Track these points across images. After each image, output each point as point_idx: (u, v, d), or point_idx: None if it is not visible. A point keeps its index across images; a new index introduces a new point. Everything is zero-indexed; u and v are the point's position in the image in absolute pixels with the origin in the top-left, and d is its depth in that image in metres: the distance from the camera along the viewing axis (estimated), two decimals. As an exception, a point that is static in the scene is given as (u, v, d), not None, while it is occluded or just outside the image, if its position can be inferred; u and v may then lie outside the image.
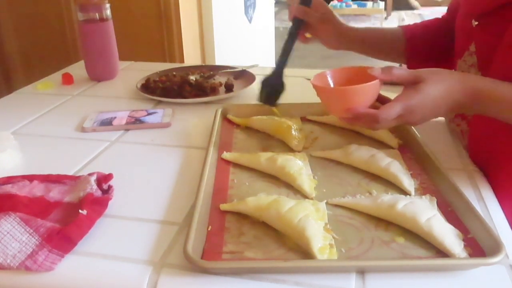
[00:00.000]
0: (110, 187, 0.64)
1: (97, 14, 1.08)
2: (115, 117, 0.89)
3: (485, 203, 0.62)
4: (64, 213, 0.59)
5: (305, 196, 0.62)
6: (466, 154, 0.75)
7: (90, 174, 0.66)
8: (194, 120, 0.90)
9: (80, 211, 0.56)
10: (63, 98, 1.04)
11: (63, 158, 0.77)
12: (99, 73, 1.15)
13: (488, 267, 0.49)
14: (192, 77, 1.07)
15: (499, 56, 0.65)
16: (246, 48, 2.82)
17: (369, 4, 6.12)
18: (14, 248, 0.51)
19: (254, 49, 2.98)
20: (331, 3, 6.09)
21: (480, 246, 0.51)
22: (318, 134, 0.81)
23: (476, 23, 0.71)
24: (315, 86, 0.66)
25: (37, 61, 1.90)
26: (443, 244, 0.51)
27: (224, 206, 0.59)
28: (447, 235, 0.52)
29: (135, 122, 0.87)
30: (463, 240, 0.52)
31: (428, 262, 0.50)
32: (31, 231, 0.53)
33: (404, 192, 0.62)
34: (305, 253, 0.51)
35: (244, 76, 1.12)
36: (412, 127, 0.76)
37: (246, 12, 2.75)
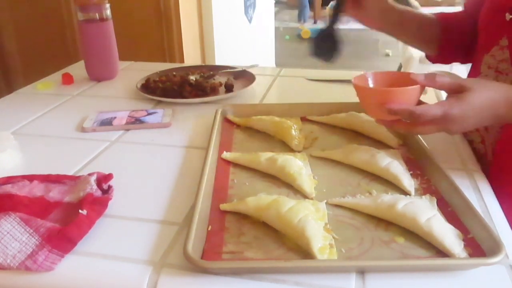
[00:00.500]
0: (110, 187, 0.64)
1: (97, 14, 1.08)
2: (115, 117, 0.89)
3: (485, 203, 0.61)
4: (64, 213, 0.59)
5: (305, 196, 0.62)
6: (466, 154, 0.75)
7: (90, 174, 0.66)
8: (194, 120, 0.90)
9: (80, 211, 0.56)
10: (63, 98, 1.04)
11: (63, 158, 0.77)
12: (99, 73, 1.15)
13: (488, 267, 0.49)
14: (192, 77, 1.07)
15: None
16: (246, 48, 2.82)
17: (369, 4, 6.11)
18: (14, 248, 0.51)
19: (254, 49, 2.99)
20: (331, 3, 6.08)
21: (480, 246, 0.51)
22: (318, 134, 0.81)
23: (511, 16, 0.70)
24: (355, 86, 0.67)
25: (37, 61, 1.90)
26: (443, 244, 0.51)
27: (224, 206, 0.59)
28: (447, 235, 0.52)
29: (135, 122, 0.87)
30: (463, 240, 0.52)
31: (428, 262, 0.50)
32: (31, 231, 0.53)
33: (404, 192, 0.62)
34: (305, 253, 0.51)
35: (244, 76, 1.12)
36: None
37: (246, 12, 2.75)
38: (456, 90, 0.61)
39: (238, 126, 0.85)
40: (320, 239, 0.51)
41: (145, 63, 1.31)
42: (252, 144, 0.78)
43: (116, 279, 0.50)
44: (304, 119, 0.86)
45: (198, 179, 0.63)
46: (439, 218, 0.54)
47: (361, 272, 0.49)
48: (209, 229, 0.55)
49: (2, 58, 1.95)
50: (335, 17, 0.80)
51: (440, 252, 0.51)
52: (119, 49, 1.16)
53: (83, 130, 0.86)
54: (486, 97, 0.60)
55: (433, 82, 0.62)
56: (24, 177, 0.66)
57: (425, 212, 0.54)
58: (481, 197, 0.63)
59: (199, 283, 0.48)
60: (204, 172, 0.64)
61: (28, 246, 0.52)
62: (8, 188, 0.63)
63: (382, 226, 0.56)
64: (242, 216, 0.58)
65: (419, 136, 0.74)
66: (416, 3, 3.28)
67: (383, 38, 5.54)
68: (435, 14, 0.90)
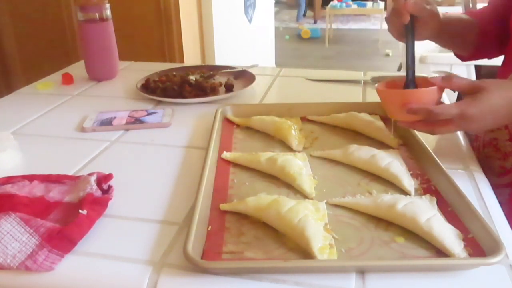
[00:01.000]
0: (110, 187, 0.64)
1: (97, 14, 1.08)
2: (115, 117, 0.89)
3: (485, 203, 0.62)
4: (64, 213, 0.59)
5: (305, 196, 0.62)
6: (467, 154, 0.75)
7: (90, 174, 0.66)
8: (194, 120, 0.90)
9: (80, 211, 0.56)
10: (63, 98, 1.04)
11: (63, 158, 0.77)
12: (99, 73, 1.15)
13: (488, 267, 0.49)
14: (192, 77, 1.07)
15: None
16: (246, 48, 2.82)
17: (369, 4, 6.11)
18: (14, 248, 0.51)
19: (254, 49, 2.99)
20: (331, 3, 6.09)
21: (480, 246, 0.51)
22: (318, 134, 0.81)
23: None
24: (378, 90, 0.70)
25: (37, 61, 1.91)
26: (443, 244, 0.51)
27: (224, 206, 0.59)
28: (447, 235, 0.52)
29: (135, 122, 0.87)
30: (463, 240, 0.52)
31: (428, 262, 0.50)
32: (31, 231, 0.53)
33: (404, 192, 0.62)
34: (305, 253, 0.51)
35: (244, 76, 1.12)
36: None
37: (246, 12, 2.76)
38: (472, 91, 0.63)
39: (238, 126, 0.85)
40: (320, 239, 0.51)
41: (145, 63, 1.31)
42: (252, 144, 0.78)
43: (116, 279, 0.50)
44: (304, 119, 0.86)
45: (198, 179, 0.63)
46: (439, 218, 0.54)
47: (361, 272, 0.49)
48: (209, 229, 0.55)
49: (2, 58, 1.95)
50: (411, 43, 0.74)
51: (440, 252, 0.51)
52: (119, 49, 1.16)
53: (83, 130, 0.86)
54: (503, 96, 0.62)
55: (450, 83, 0.65)
56: (24, 177, 0.66)
57: (425, 212, 0.54)
58: (481, 197, 0.63)
59: (199, 283, 0.48)
60: (204, 172, 0.64)
61: (28, 246, 0.52)
62: (8, 188, 0.63)
63: (382, 226, 0.56)
64: (242, 216, 0.58)
65: (419, 136, 0.74)
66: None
67: (383, 38, 5.55)
68: (467, 13, 0.89)
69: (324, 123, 0.85)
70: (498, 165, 0.78)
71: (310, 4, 7.58)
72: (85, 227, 0.55)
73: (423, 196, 0.60)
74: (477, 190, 0.65)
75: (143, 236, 0.56)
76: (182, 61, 1.88)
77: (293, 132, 0.78)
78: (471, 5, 3.05)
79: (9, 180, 0.66)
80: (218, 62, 2.08)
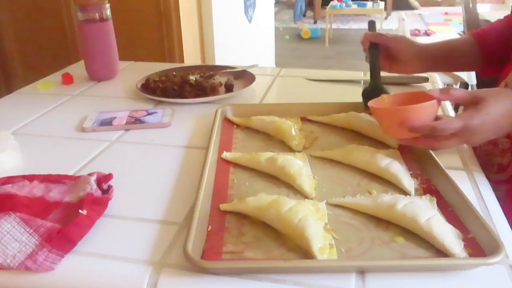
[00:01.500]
0: (110, 187, 0.64)
1: (97, 14, 1.08)
2: (115, 117, 0.89)
3: (485, 203, 0.62)
4: (64, 213, 0.59)
5: (305, 196, 0.62)
6: (467, 154, 0.75)
7: (90, 174, 0.66)
8: (194, 120, 0.90)
9: (80, 211, 0.56)
10: (63, 98, 1.04)
11: (63, 158, 0.77)
12: (99, 73, 1.15)
13: (488, 267, 0.49)
14: (192, 77, 1.07)
15: None
16: (246, 48, 2.82)
17: (369, 4, 6.11)
18: (14, 248, 0.51)
19: (254, 49, 2.99)
20: (331, 3, 6.09)
21: (480, 246, 0.51)
22: (318, 134, 0.81)
23: None
24: (372, 108, 0.67)
25: (37, 61, 1.91)
26: (443, 244, 0.51)
27: (224, 206, 0.59)
28: (447, 235, 0.52)
29: (135, 122, 0.87)
30: (463, 240, 0.52)
31: (428, 262, 0.50)
32: (31, 231, 0.53)
33: (404, 192, 0.62)
34: (305, 253, 0.51)
35: (244, 76, 1.12)
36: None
37: (246, 12, 2.76)
38: (471, 102, 0.62)
39: (238, 126, 0.85)
40: (320, 239, 0.51)
41: (145, 63, 1.31)
42: (252, 144, 0.78)
43: (116, 279, 0.50)
44: (304, 119, 0.86)
45: (198, 179, 0.63)
46: (439, 218, 0.54)
47: (361, 272, 0.49)
48: (209, 229, 0.55)
49: (2, 58, 1.95)
50: (374, 73, 0.82)
51: (440, 252, 0.51)
52: (119, 49, 1.16)
53: (83, 130, 0.86)
54: (502, 105, 0.61)
55: (449, 96, 0.63)
56: (24, 177, 0.66)
57: (425, 212, 0.54)
58: (481, 197, 0.63)
59: (199, 283, 0.48)
60: (204, 172, 0.64)
61: (28, 246, 0.52)
62: (8, 188, 0.63)
63: (382, 226, 0.56)
64: (242, 216, 0.58)
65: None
66: (416, 3, 3.28)
67: (383, 38, 5.53)
68: (470, 34, 0.90)
69: (324, 123, 0.85)
70: (496, 162, 0.78)
71: (310, 4, 7.57)
72: (85, 227, 0.55)
73: (423, 196, 0.60)
74: (477, 190, 0.65)
75: (143, 236, 0.56)
76: (182, 61, 1.88)
77: (293, 132, 0.78)
78: (471, 5, 3.05)
79: (9, 180, 0.66)
80: (218, 62, 2.08)
